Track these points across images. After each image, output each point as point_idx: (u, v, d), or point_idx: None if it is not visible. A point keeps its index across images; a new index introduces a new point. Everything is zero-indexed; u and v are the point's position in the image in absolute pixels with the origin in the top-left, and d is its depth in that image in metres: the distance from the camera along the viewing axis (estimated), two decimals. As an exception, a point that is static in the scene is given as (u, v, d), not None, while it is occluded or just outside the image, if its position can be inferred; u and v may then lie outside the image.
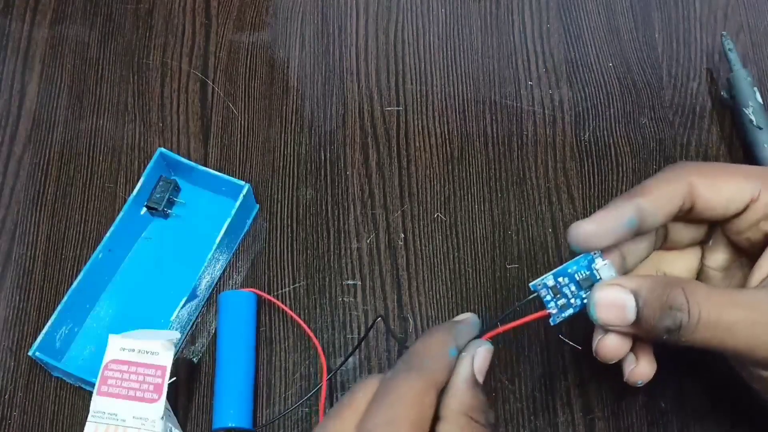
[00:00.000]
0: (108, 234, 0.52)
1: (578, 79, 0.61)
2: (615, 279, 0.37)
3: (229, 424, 0.49)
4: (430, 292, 0.54)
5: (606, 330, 0.38)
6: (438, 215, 0.56)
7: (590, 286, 0.38)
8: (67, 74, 0.62)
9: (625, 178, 0.57)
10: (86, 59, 0.62)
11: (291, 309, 0.53)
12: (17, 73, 0.62)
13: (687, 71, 0.61)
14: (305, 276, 0.55)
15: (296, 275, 0.55)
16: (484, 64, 0.62)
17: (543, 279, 0.40)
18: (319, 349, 0.52)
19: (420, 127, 0.59)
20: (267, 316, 0.53)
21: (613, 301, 0.36)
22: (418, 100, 0.60)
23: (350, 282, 0.54)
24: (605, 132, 0.59)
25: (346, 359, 0.51)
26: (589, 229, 0.37)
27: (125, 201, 0.53)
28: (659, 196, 0.37)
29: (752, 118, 0.56)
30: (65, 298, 0.51)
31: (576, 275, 0.39)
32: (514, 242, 0.55)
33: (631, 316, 0.36)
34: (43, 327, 0.50)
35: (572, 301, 0.39)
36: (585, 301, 0.39)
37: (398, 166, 0.58)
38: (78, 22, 0.64)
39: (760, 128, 0.56)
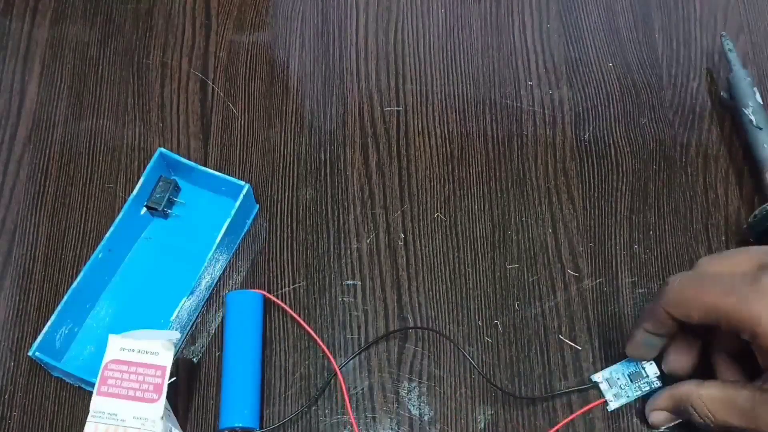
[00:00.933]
0: (108, 234, 0.52)
1: (578, 79, 0.61)
2: (655, 403, 0.48)
3: (237, 424, 0.49)
4: (430, 292, 0.54)
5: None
6: (438, 215, 0.56)
7: (639, 378, 0.50)
8: (67, 74, 0.62)
9: (625, 178, 0.57)
10: (86, 59, 0.62)
11: (291, 309, 0.53)
12: (17, 73, 0.62)
13: (687, 71, 0.61)
14: (305, 276, 0.55)
15: (296, 275, 0.55)
16: (484, 64, 0.62)
17: (601, 373, 0.50)
18: (330, 356, 0.52)
19: (420, 127, 0.59)
20: (267, 316, 0.53)
21: (660, 417, 0.49)
22: (418, 100, 0.60)
23: (350, 282, 0.54)
24: (605, 132, 0.59)
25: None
26: (630, 353, 0.49)
27: (125, 201, 0.53)
28: (653, 323, 0.46)
29: (752, 118, 0.56)
30: (65, 298, 0.51)
31: (627, 371, 0.50)
32: (514, 242, 0.55)
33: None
34: (43, 327, 0.50)
35: (624, 391, 0.50)
36: (636, 392, 0.50)
37: (398, 166, 0.58)
38: (78, 22, 0.64)
39: (760, 128, 0.55)
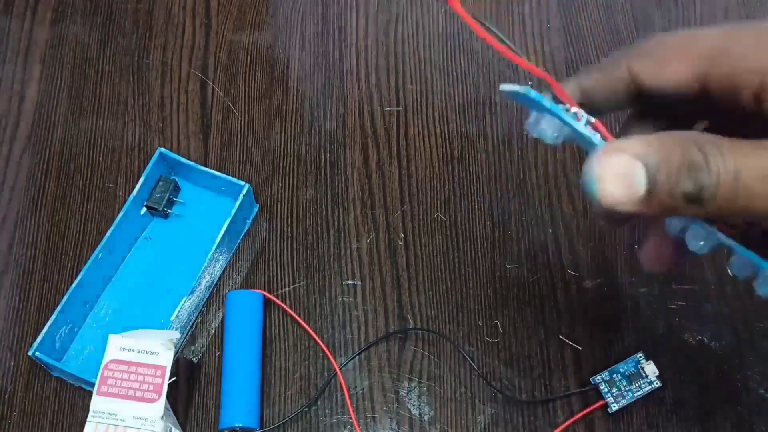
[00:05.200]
0: (108, 234, 0.52)
1: (578, 79, 0.61)
2: (617, 143, 0.29)
3: (237, 424, 0.49)
4: (430, 292, 0.54)
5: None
6: (438, 215, 0.56)
7: (638, 379, 0.50)
8: (67, 74, 0.62)
9: (625, 178, 0.57)
10: (86, 59, 0.62)
11: (291, 309, 0.53)
12: (17, 73, 0.62)
13: (687, 71, 0.61)
14: (305, 276, 0.55)
15: (296, 275, 0.55)
16: (484, 64, 0.62)
17: (601, 374, 0.50)
18: (330, 356, 0.52)
19: (420, 127, 0.59)
20: (267, 316, 0.53)
21: (619, 172, 0.28)
22: (418, 100, 0.60)
23: (350, 282, 0.54)
24: (605, 132, 0.59)
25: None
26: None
27: (125, 201, 0.53)
28: (598, 81, 0.34)
29: (752, 118, 0.56)
30: (65, 298, 0.51)
31: (626, 372, 0.50)
32: (514, 242, 0.55)
33: (641, 187, 0.28)
34: (43, 327, 0.50)
35: (625, 392, 0.50)
36: (636, 393, 0.49)
37: (398, 166, 0.58)
38: (78, 22, 0.64)
39: (760, 128, 0.55)
